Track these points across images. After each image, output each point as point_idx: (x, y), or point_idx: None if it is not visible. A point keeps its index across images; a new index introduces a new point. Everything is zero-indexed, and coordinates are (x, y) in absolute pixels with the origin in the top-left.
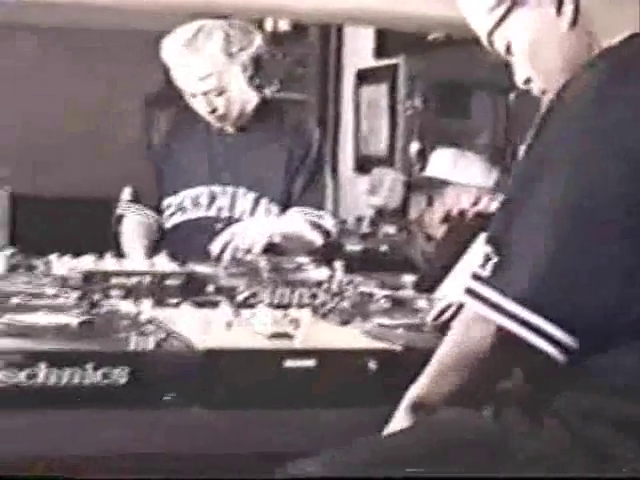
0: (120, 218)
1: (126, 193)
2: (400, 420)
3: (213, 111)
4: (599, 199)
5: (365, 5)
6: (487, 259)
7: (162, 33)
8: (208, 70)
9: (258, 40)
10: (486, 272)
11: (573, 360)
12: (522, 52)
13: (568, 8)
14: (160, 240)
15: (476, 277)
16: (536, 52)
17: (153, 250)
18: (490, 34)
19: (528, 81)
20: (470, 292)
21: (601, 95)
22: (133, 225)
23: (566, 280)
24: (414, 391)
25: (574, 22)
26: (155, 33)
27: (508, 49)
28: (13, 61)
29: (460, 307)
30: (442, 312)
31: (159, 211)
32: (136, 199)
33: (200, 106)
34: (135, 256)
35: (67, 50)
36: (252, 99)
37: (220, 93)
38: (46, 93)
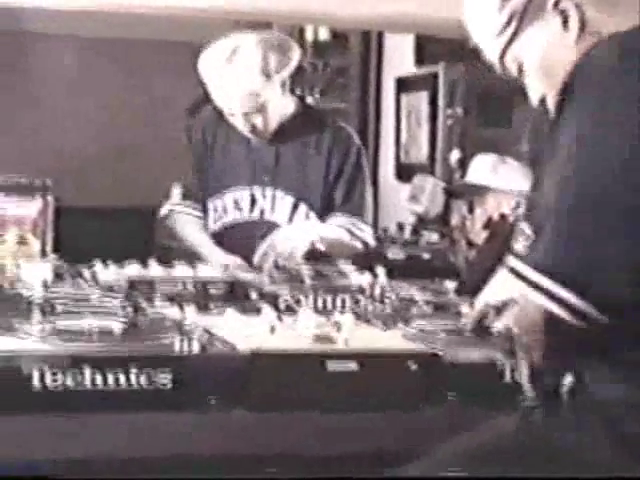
0: (167, 216)
1: (176, 192)
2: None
3: (251, 130)
4: (611, 180)
5: (405, 11)
6: (526, 238)
7: (203, 43)
8: (246, 92)
9: (297, 56)
10: (525, 250)
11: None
12: (534, 70)
13: (573, 21)
14: None
15: (517, 255)
16: (547, 68)
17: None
18: (501, 57)
19: (543, 100)
20: (513, 270)
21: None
22: (190, 220)
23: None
24: None
25: (581, 33)
26: (196, 43)
27: (520, 70)
28: (55, 71)
29: (500, 309)
30: (483, 316)
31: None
32: (187, 197)
33: (239, 124)
34: (209, 247)
35: (108, 60)
36: (293, 107)
37: (259, 112)
38: (88, 102)
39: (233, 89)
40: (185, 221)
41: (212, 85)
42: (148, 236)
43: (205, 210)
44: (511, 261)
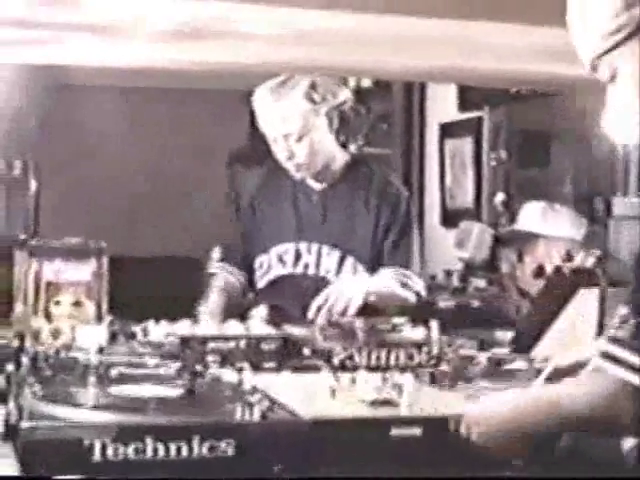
0: (211, 276)
1: (215, 252)
2: None
3: (290, 157)
4: None
5: (447, 63)
6: (624, 321)
7: (245, 93)
8: (290, 113)
9: (345, 94)
10: (624, 334)
11: None
12: (630, 82)
13: None
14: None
15: (614, 340)
16: None
17: (237, 309)
18: (597, 58)
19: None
20: (607, 356)
21: None
22: (216, 283)
23: None
24: None
25: None
26: (239, 92)
27: (613, 77)
28: (99, 122)
29: (569, 371)
30: (549, 377)
31: (250, 271)
32: (225, 258)
33: (280, 152)
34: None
35: (155, 110)
36: (338, 155)
37: (300, 138)
38: (134, 154)
39: (278, 111)
40: (214, 280)
41: (260, 111)
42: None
43: (251, 270)
44: (607, 346)
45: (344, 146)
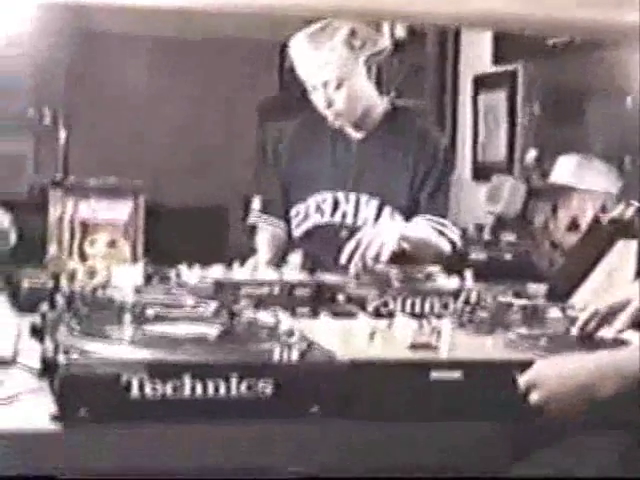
0: (253, 227)
1: (256, 203)
2: None
3: (329, 105)
4: None
5: (484, 7)
6: None
7: (275, 42)
8: (328, 59)
9: (384, 42)
10: None
11: None
12: None
13: None
14: (289, 248)
15: None
16: None
17: (281, 258)
18: None
19: None
20: None
21: None
22: (264, 236)
23: None
24: None
25: None
26: (269, 42)
27: None
28: (129, 72)
29: (608, 315)
30: (587, 321)
31: (287, 219)
32: (265, 208)
33: (318, 99)
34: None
35: (188, 59)
36: (378, 103)
37: (339, 85)
38: (168, 104)
39: (317, 58)
40: (261, 233)
41: (298, 58)
42: (230, 236)
43: (288, 218)
44: None
45: (382, 95)
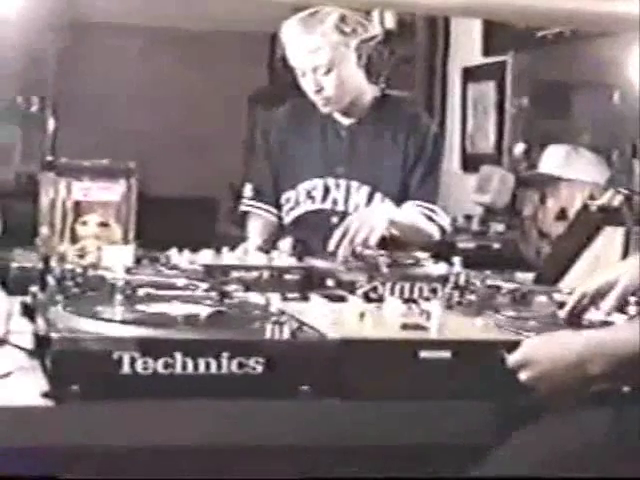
0: (245, 214)
1: (247, 190)
2: None
3: (319, 90)
4: None
5: None
6: None
7: (266, 33)
8: (318, 44)
9: (375, 29)
10: None
11: None
12: None
13: None
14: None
15: None
16: None
17: (272, 245)
18: None
19: None
20: None
21: None
22: (255, 222)
23: None
24: None
25: None
26: (260, 33)
27: None
28: (118, 62)
29: (596, 296)
30: (576, 304)
31: (278, 206)
32: (257, 195)
33: (308, 85)
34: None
35: (174, 50)
36: (367, 90)
37: (329, 70)
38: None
39: (307, 42)
40: (252, 219)
41: (288, 43)
42: (219, 224)
43: (279, 205)
44: None
45: (373, 83)
